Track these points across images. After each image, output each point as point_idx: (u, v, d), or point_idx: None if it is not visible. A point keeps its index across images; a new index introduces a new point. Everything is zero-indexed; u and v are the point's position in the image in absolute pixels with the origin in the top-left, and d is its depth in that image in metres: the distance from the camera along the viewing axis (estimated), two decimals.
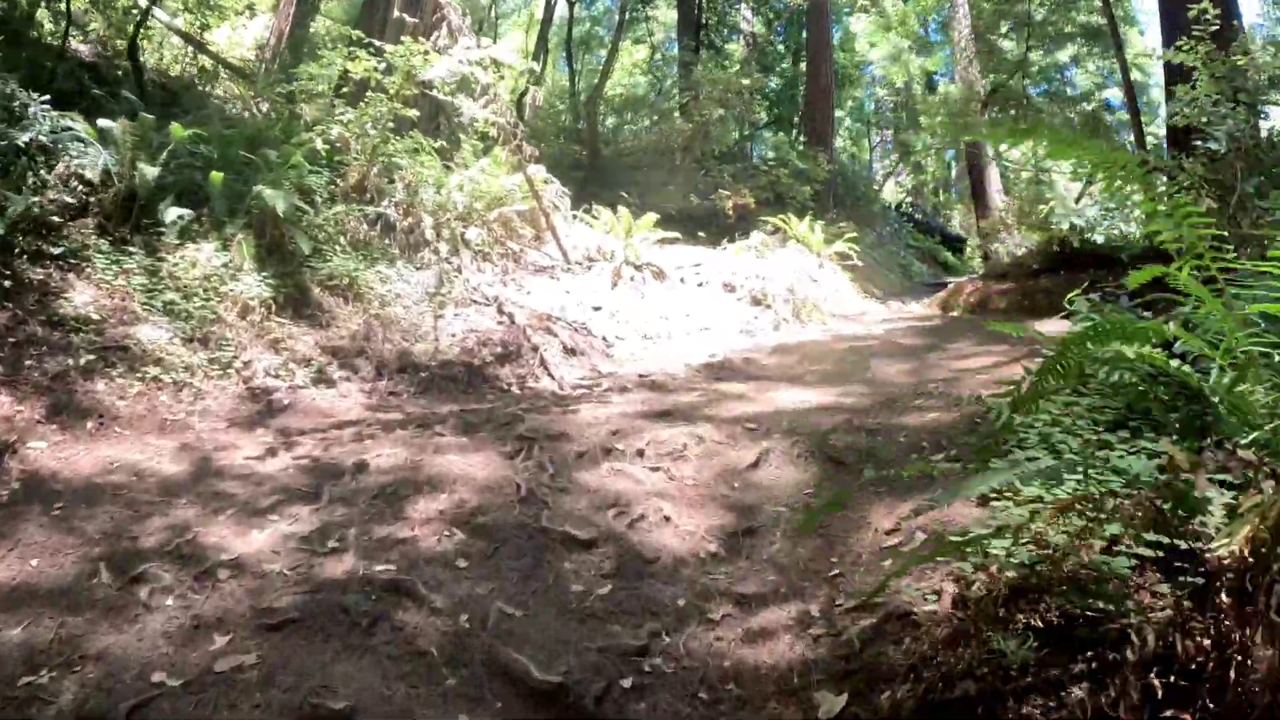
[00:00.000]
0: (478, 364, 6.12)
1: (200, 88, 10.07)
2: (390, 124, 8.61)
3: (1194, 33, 7.69)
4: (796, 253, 11.24)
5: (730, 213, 13.74)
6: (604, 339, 7.17)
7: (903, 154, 29.09)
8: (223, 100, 9.80)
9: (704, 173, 15.58)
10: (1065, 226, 8.96)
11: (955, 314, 9.48)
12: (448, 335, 6.40)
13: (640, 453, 4.18)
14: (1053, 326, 6.83)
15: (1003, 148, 17.48)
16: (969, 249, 25.86)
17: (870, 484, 3.52)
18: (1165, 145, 9.62)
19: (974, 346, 6.67)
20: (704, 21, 21.00)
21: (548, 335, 6.69)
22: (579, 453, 4.18)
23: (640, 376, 6.15)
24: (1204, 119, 7.22)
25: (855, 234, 12.84)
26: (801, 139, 18.39)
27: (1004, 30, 19.73)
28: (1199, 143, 7.20)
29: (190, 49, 10.66)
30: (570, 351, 6.64)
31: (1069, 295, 4.31)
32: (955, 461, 3.46)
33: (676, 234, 9.96)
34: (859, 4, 27.66)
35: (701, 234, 13.37)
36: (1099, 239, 8.80)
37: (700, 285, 9.11)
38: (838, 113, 29.71)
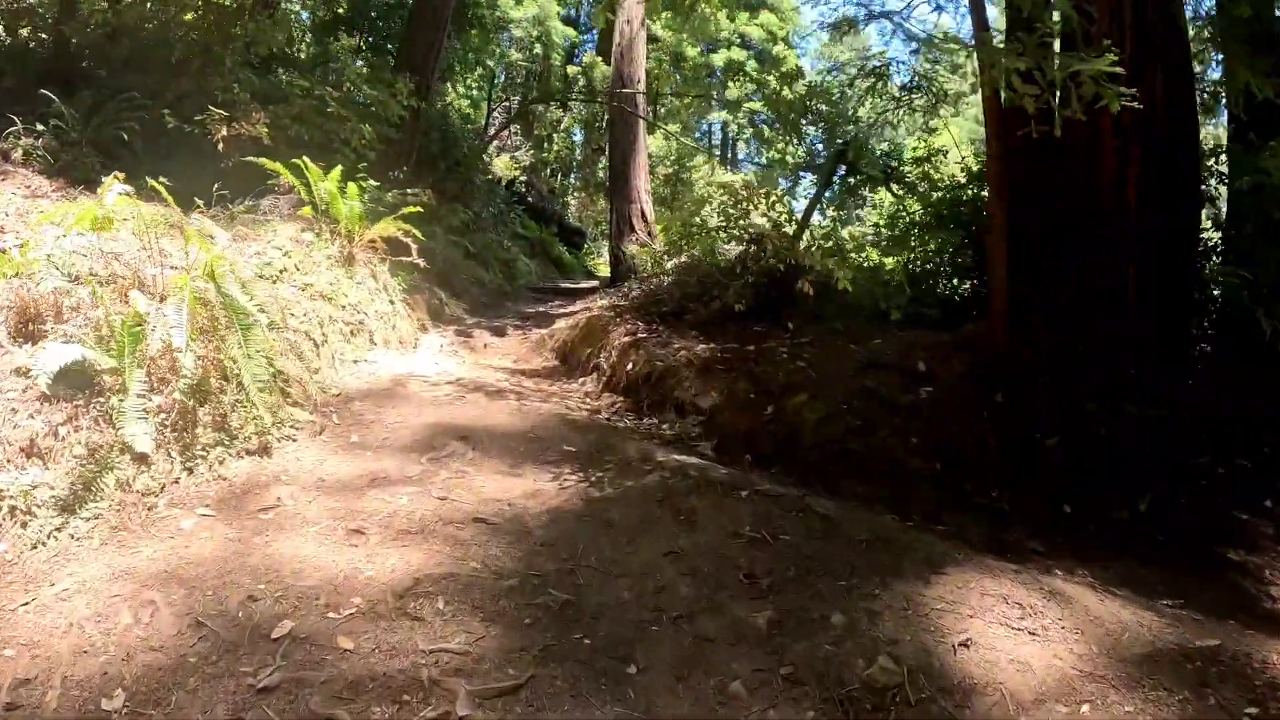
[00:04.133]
0: None
1: None
2: None
3: None
4: (296, 235, 6.08)
5: (221, 146, 7.98)
6: None
7: (525, 123, 25.16)
8: None
9: (235, 86, 9.35)
10: (817, 252, 5.22)
11: (594, 399, 5.12)
12: None
13: None
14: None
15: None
16: (588, 244, 22.93)
17: None
18: None
19: None
20: None
21: None
22: None
23: None
24: None
25: (423, 206, 8.06)
26: (389, 61, 12.94)
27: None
28: None
29: None
30: None
31: None
32: None
33: None
34: None
35: (165, 180, 7.52)
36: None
37: None
38: (468, 79, 24.73)
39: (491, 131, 25.93)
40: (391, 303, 6.68)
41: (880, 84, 6.21)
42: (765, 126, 35.88)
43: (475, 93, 26.91)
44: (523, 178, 22.41)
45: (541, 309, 12.05)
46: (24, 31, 10.43)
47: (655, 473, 3.40)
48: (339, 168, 6.80)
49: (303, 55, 13.04)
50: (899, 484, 3.81)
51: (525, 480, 3.35)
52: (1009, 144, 5.58)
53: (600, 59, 24.54)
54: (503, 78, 29.56)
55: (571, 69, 27.11)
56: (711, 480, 3.34)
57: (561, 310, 11.69)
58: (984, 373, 4.81)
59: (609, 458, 3.65)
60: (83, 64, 9.68)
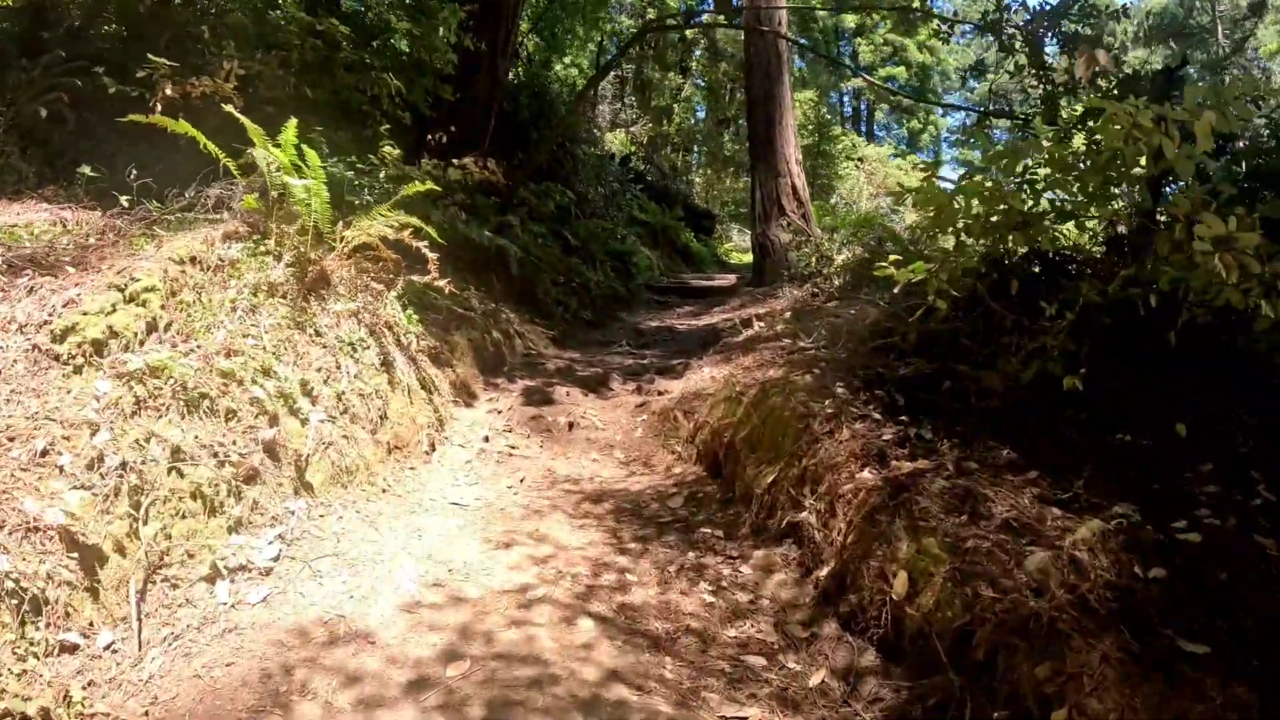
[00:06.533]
0: None
1: None
2: None
3: None
4: (206, 249, 3.06)
5: (160, 111, 5.19)
6: None
7: (641, 92, 21.97)
8: None
9: (204, 30, 6.63)
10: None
11: (806, 652, 1.87)
12: None
13: None
14: None
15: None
16: (718, 228, 19.55)
17: None
18: None
19: None
20: None
21: None
22: None
23: None
24: None
25: (491, 186, 5.02)
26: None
27: None
28: None
29: None
30: None
31: None
32: None
33: None
34: None
35: (96, 168, 4.99)
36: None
37: None
38: (576, 50, 21.96)
39: (600, 104, 22.78)
40: (387, 367, 3.57)
41: None
42: (902, 95, 31.35)
43: (585, 63, 23.97)
44: (640, 154, 19.22)
45: (666, 322, 8.80)
46: None
47: None
48: (292, 121, 3.77)
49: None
50: None
51: None
52: None
53: (721, 17, 21.22)
54: (614, 51, 26.61)
55: (689, 32, 23.99)
56: None
57: (694, 324, 8.37)
58: None
59: None
60: (41, 31, 7.21)
